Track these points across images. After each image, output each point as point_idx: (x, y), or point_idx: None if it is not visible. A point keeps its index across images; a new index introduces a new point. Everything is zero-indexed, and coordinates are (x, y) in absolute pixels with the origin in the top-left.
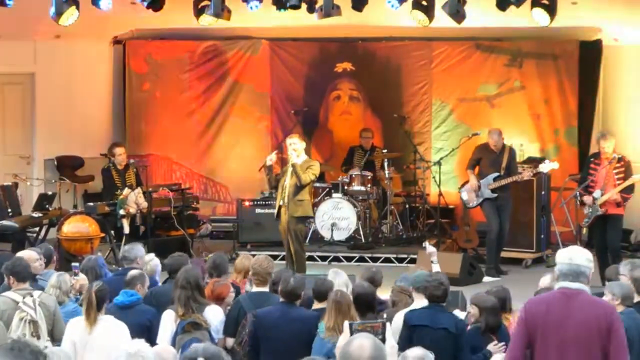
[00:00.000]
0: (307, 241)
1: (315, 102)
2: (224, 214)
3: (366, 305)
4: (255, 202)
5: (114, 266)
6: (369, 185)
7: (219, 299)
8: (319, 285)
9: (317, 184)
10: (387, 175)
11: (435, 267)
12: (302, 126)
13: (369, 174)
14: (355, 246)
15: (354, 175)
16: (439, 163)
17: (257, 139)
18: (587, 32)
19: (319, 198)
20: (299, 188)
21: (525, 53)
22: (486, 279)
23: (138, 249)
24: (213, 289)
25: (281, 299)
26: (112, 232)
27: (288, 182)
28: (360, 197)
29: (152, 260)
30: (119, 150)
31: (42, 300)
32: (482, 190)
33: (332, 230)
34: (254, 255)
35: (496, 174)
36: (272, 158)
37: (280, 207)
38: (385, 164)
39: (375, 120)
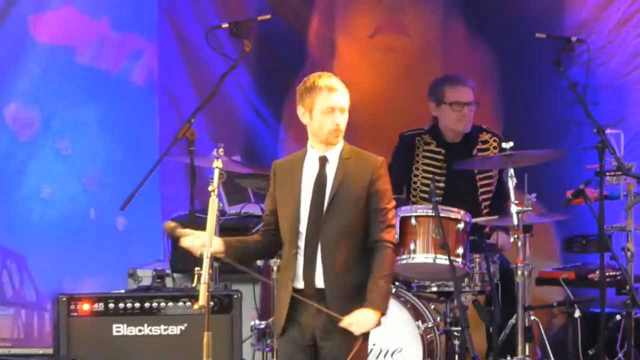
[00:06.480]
0: None
1: None
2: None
3: None
4: (121, 306)
5: None
6: (462, 255)
7: None
8: None
9: None
10: (515, 222)
11: None
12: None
13: (458, 217)
14: None
15: (413, 224)
16: None
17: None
18: None
19: None
20: (354, 239)
21: None
22: None
23: None
24: None
25: None
26: None
27: (308, 222)
28: (435, 289)
29: None
30: None
31: None
32: None
33: None
34: None
35: None
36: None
37: (293, 294)
38: (510, 186)
39: (480, 49)
